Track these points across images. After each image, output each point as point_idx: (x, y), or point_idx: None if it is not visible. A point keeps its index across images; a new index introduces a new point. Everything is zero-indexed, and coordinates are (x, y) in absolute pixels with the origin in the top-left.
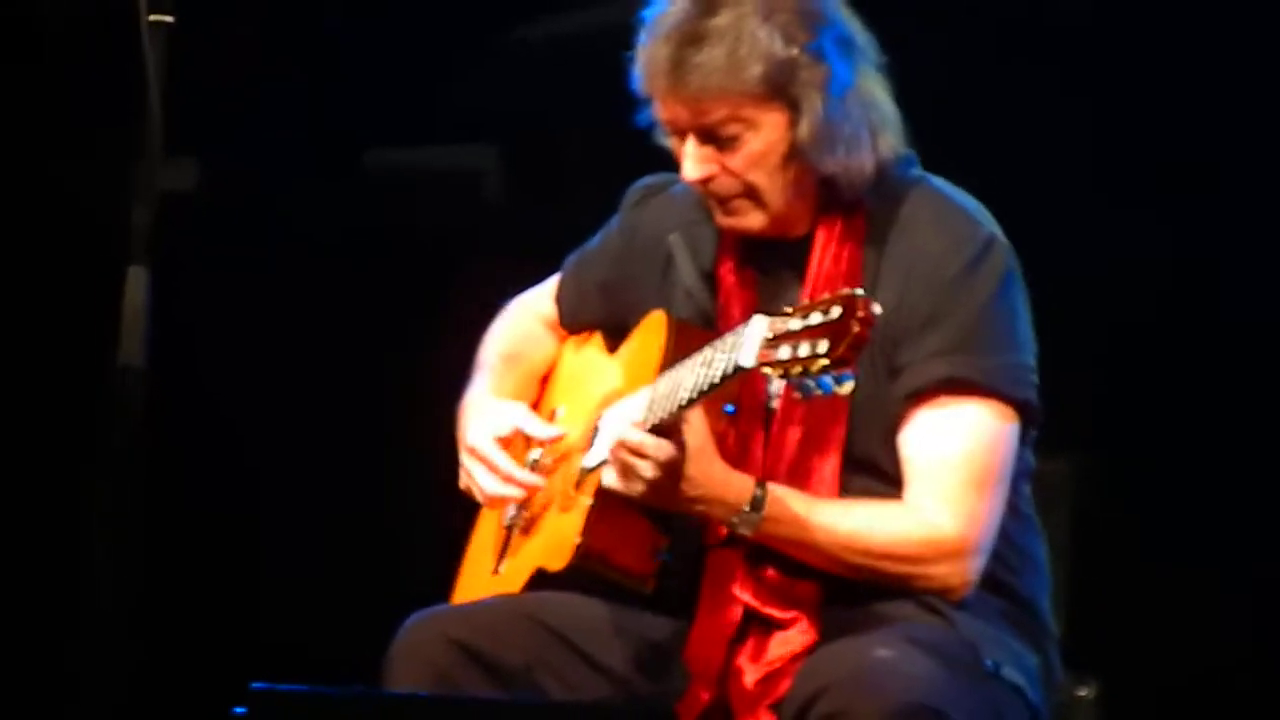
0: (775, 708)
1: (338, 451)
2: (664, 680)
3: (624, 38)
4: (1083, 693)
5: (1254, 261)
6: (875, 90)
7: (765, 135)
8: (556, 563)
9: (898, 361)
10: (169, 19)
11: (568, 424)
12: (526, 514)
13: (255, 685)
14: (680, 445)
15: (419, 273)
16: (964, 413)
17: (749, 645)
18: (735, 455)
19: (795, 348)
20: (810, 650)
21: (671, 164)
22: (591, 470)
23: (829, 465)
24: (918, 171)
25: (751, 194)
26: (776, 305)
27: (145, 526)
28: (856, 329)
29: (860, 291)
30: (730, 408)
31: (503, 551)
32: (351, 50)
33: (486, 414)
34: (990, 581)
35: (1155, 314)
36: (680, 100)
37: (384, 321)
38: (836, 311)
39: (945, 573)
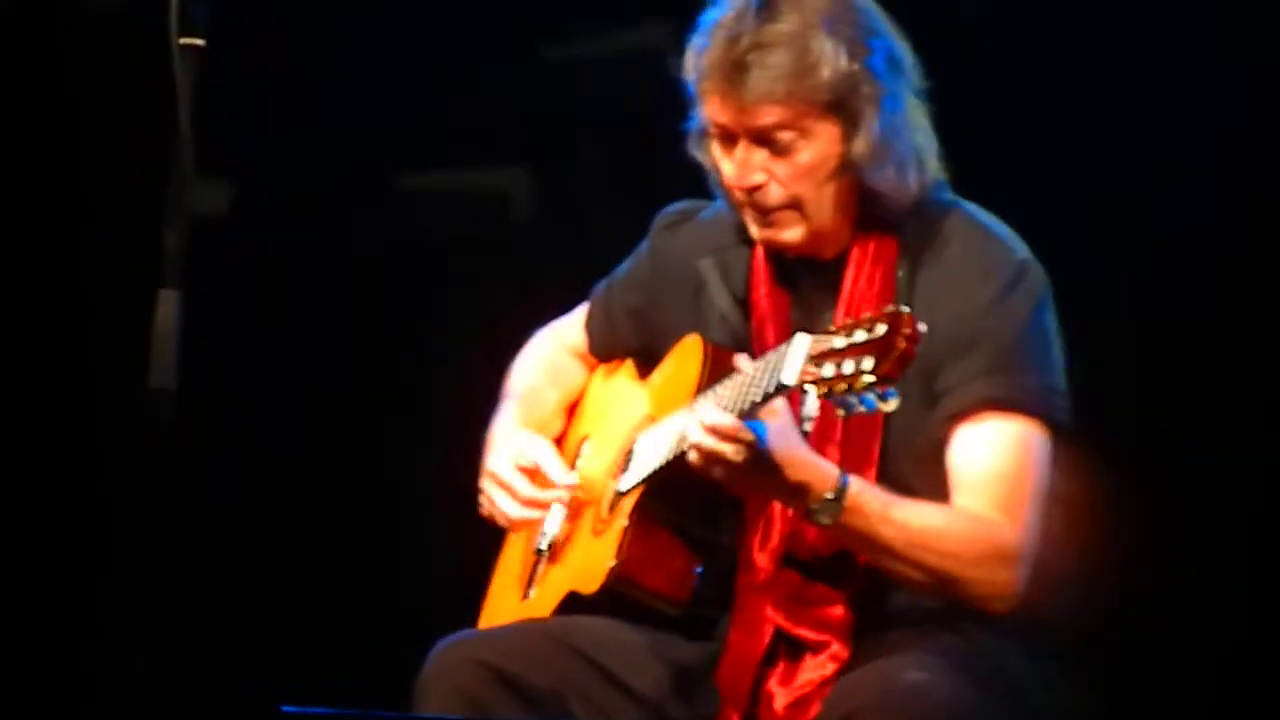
0: None
1: (367, 474)
2: (695, 704)
3: (653, 60)
4: (1107, 715)
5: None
6: (920, 112)
7: (819, 146)
8: (590, 585)
9: (937, 386)
10: (200, 42)
11: (598, 452)
12: (556, 540)
13: (285, 708)
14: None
15: (448, 295)
16: (1009, 429)
17: (779, 668)
18: None
19: (839, 365)
20: (840, 673)
21: (697, 191)
22: (625, 493)
23: None
24: (950, 196)
25: (797, 205)
26: (811, 327)
27: (174, 548)
28: (902, 345)
29: (906, 308)
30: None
31: (531, 578)
32: (381, 72)
33: (510, 443)
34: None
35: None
36: (740, 104)
37: (414, 344)
38: (882, 329)
39: (1004, 580)
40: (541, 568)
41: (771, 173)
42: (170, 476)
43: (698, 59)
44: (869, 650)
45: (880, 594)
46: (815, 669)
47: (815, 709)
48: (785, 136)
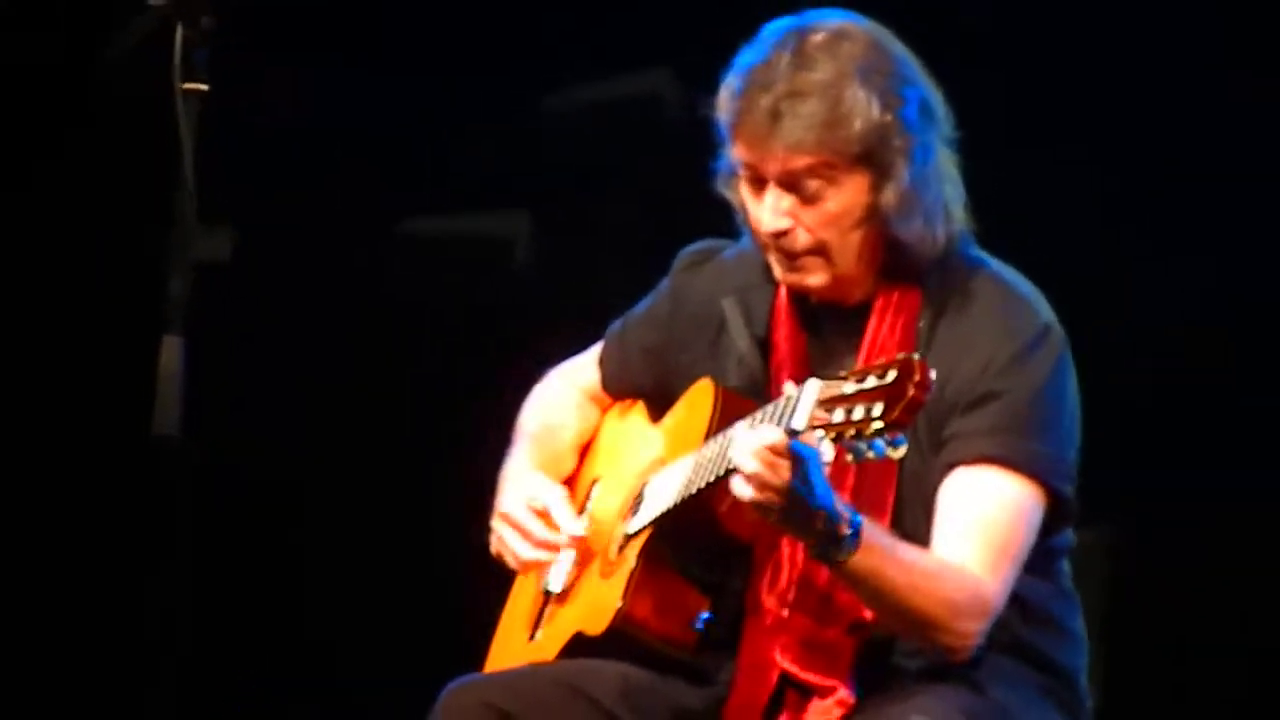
0: None
1: (372, 518)
2: None
3: (655, 106)
4: None
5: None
6: (950, 163)
7: (846, 195)
8: (596, 627)
9: (944, 434)
10: (203, 87)
11: (608, 493)
12: (565, 581)
13: None
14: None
15: (453, 339)
16: (1003, 483)
17: (785, 714)
18: None
19: (850, 411)
20: (847, 719)
21: (709, 232)
22: (634, 535)
23: None
24: (976, 251)
25: (822, 251)
26: (830, 373)
27: (179, 592)
28: (912, 392)
29: (917, 356)
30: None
31: (538, 619)
32: (384, 118)
33: (522, 483)
34: (1030, 654)
35: (1186, 378)
36: (773, 150)
37: (418, 388)
38: (892, 375)
39: (972, 630)
40: (549, 609)
41: (798, 218)
42: (176, 523)
43: (731, 102)
44: (875, 696)
45: (888, 639)
46: (821, 714)
47: None
48: (814, 184)
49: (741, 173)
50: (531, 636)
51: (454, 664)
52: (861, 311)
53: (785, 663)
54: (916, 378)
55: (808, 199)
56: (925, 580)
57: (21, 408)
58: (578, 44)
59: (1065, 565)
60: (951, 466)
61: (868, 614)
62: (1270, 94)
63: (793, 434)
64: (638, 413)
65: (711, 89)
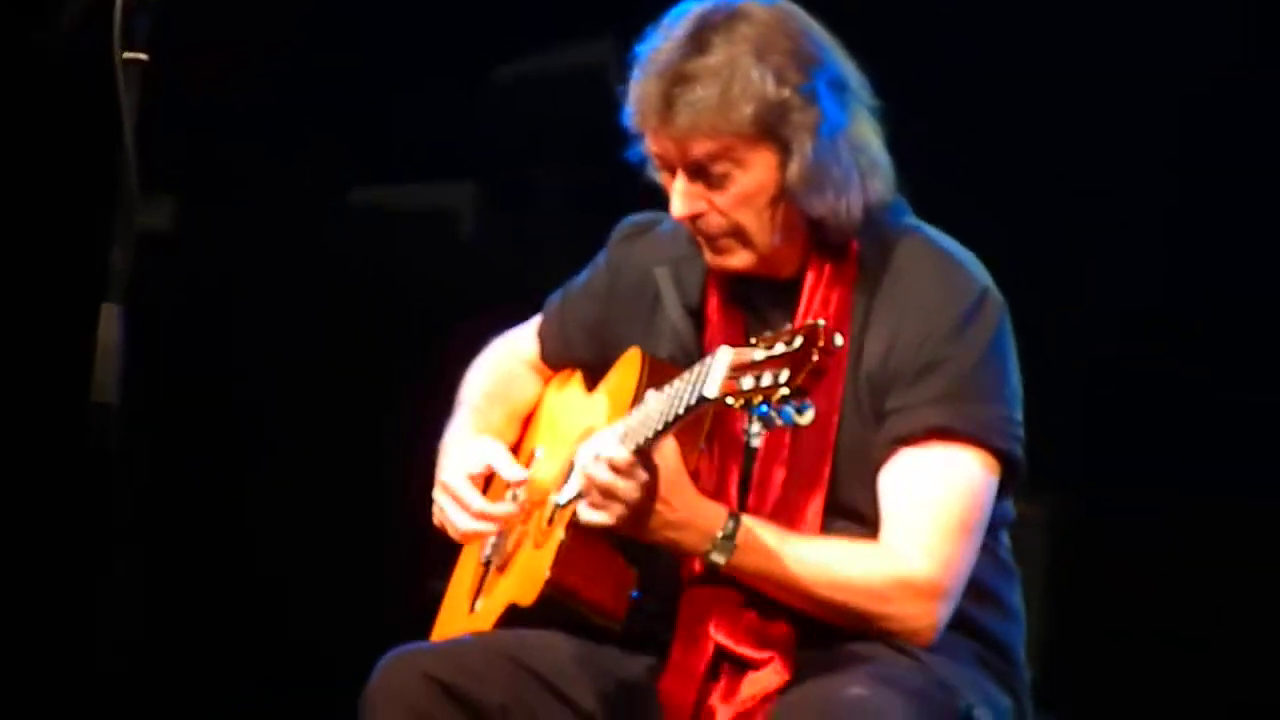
0: None
1: (315, 490)
2: (637, 719)
3: (600, 77)
4: None
5: (1236, 300)
6: (867, 134)
7: (754, 175)
8: (527, 597)
9: (886, 406)
10: (143, 56)
11: (547, 463)
12: (503, 551)
13: None
14: (655, 470)
15: (396, 311)
16: (950, 459)
17: (721, 684)
18: (711, 491)
19: (758, 378)
20: (783, 690)
21: (652, 203)
22: (564, 505)
23: (813, 506)
24: (910, 220)
25: (739, 233)
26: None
27: (114, 563)
28: (816, 358)
29: (823, 322)
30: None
31: (478, 589)
32: (328, 88)
33: (462, 452)
34: (967, 625)
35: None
36: (671, 137)
37: (361, 360)
38: (799, 342)
39: (913, 614)
40: (489, 579)
41: (710, 202)
42: (113, 491)
43: (632, 90)
44: (812, 668)
45: None
46: (756, 685)
47: None
48: (719, 168)
49: (652, 160)
50: (472, 607)
51: (404, 637)
52: (795, 285)
53: (720, 636)
54: (821, 343)
55: (715, 183)
56: (827, 571)
57: None
58: (524, 14)
59: (1005, 538)
60: (897, 443)
61: None
62: (1236, 80)
63: (705, 401)
64: (576, 382)
65: None
